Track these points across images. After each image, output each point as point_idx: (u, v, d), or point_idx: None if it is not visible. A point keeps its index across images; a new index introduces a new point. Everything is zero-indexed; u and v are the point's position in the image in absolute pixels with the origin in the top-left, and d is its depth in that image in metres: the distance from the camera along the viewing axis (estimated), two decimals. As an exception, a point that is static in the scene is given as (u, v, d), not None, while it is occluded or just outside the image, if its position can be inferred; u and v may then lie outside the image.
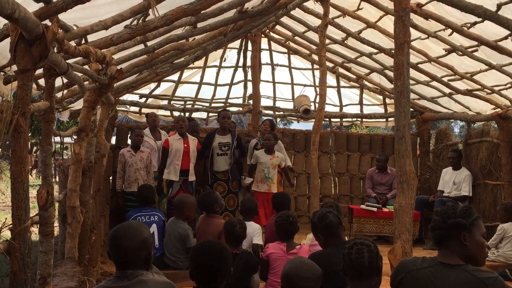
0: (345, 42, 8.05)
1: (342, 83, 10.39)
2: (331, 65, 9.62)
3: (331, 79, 10.15)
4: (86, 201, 4.58)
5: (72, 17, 3.41)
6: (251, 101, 9.94)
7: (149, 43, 4.79)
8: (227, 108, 8.91)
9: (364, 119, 10.62)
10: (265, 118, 9.20)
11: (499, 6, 4.83)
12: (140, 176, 7.19)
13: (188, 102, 10.19)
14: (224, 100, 10.43)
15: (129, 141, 9.09)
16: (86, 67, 3.86)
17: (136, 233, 2.56)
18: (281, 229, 4.54)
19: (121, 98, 8.36)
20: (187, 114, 10.10)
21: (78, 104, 5.49)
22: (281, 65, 10.37)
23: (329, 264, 3.49)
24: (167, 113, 10.11)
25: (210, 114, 10.38)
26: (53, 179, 3.15)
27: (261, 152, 7.37)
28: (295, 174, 9.85)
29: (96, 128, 5.35)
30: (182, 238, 5.40)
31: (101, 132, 5.78)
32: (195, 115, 10.45)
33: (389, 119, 10.37)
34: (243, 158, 7.42)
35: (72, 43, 3.31)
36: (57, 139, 3.78)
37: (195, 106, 10.21)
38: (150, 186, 6.51)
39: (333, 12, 7.13)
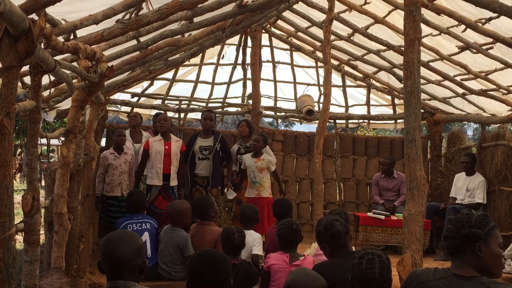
0: (352, 38, 8.06)
1: (348, 82, 10.40)
2: (336, 62, 9.63)
3: (336, 78, 10.16)
4: (74, 207, 4.57)
5: (60, 11, 3.41)
6: (250, 101, 9.95)
7: (142, 39, 4.79)
8: (211, 110, 8.76)
9: (371, 121, 10.62)
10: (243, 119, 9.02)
11: (516, 1, 4.84)
12: (124, 180, 7.14)
13: (183, 102, 10.20)
14: (221, 100, 10.44)
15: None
16: (74, 64, 3.86)
17: (130, 240, 2.60)
18: (283, 238, 4.53)
19: (111, 97, 8.36)
20: (182, 115, 10.11)
21: (66, 104, 5.49)
22: (282, 63, 10.39)
23: (335, 275, 3.49)
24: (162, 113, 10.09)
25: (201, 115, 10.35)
26: (39, 184, 3.14)
27: (247, 155, 7.39)
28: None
29: (85, 129, 5.34)
30: (181, 247, 5.40)
31: (90, 134, 5.77)
32: (190, 115, 10.44)
33: (398, 120, 10.38)
34: (227, 164, 7.38)
35: (60, 38, 3.30)
36: (43, 141, 3.78)
37: (191, 106, 10.22)
38: (140, 192, 6.51)
39: (338, 7, 7.14)
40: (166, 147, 7.03)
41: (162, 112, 9.26)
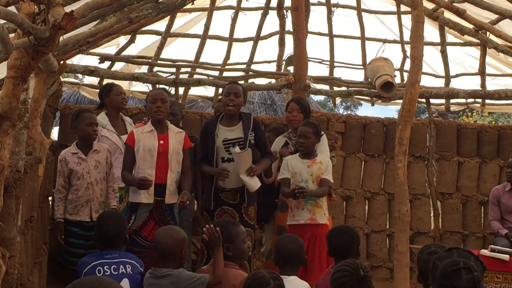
0: (456, -35, 8.00)
1: (450, 38, 10.33)
2: (431, 6, 9.55)
3: (431, 31, 10.09)
4: (11, 238, 4.61)
5: None
6: (291, 68, 9.92)
7: (119, -32, 4.82)
8: (237, 81, 8.61)
9: (487, 101, 10.59)
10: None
11: None
12: (95, 195, 7.05)
13: (183, 69, 10.21)
14: (244, 67, 10.44)
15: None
16: (12, 9, 3.89)
17: None
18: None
19: (70, 62, 8.41)
20: (180, 91, 10.10)
21: (-2, 73, 5.55)
22: (343, 6, 10.38)
23: None
24: (147, 88, 10.13)
25: (221, 90, 10.38)
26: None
27: (294, 157, 7.34)
28: (335, 201, 9.54)
29: (28, 113, 5.38)
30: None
31: (35, 121, 5.83)
32: (195, 91, 10.45)
33: (532, 100, 10.30)
34: (265, 158, 7.30)
35: (-10, -32, 3.33)
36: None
37: (196, 76, 10.22)
38: (116, 215, 6.43)
39: None
40: (162, 141, 6.91)
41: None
